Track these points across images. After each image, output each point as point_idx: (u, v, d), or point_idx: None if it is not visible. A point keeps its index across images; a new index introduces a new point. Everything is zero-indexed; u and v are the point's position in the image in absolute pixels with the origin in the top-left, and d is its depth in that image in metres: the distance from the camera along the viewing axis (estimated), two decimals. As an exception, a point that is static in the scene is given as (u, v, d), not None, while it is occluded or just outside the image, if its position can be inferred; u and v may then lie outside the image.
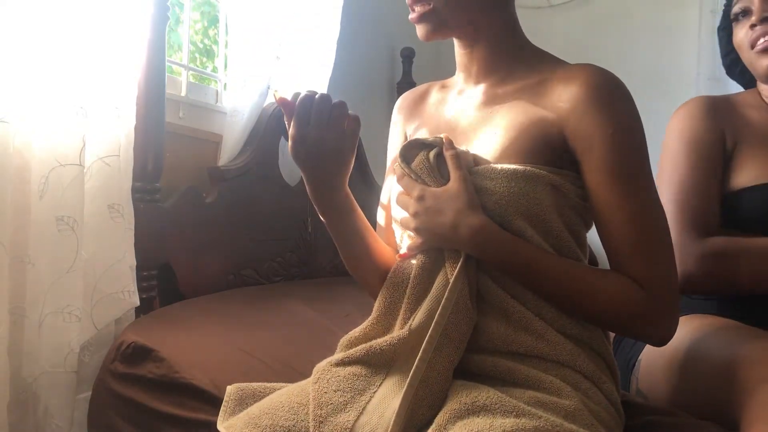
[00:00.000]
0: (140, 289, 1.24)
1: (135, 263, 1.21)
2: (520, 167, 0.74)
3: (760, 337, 0.85)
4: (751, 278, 0.96)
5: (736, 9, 1.09)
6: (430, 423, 0.65)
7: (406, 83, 2.28)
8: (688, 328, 0.94)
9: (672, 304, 0.72)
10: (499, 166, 0.75)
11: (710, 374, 0.85)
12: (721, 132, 1.07)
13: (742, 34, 1.08)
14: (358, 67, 2.20)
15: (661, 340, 0.74)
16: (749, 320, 0.95)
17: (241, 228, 1.57)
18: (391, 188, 0.86)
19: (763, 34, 1.03)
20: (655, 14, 2.38)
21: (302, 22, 1.74)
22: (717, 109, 1.09)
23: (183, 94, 1.55)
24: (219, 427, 0.73)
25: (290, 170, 1.78)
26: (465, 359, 0.72)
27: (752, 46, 1.06)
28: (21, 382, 1.07)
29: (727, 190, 1.04)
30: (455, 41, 0.87)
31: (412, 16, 0.83)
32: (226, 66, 1.71)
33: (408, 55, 2.31)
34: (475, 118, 0.83)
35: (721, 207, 1.04)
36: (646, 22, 2.40)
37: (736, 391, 0.78)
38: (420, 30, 0.84)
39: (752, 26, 1.06)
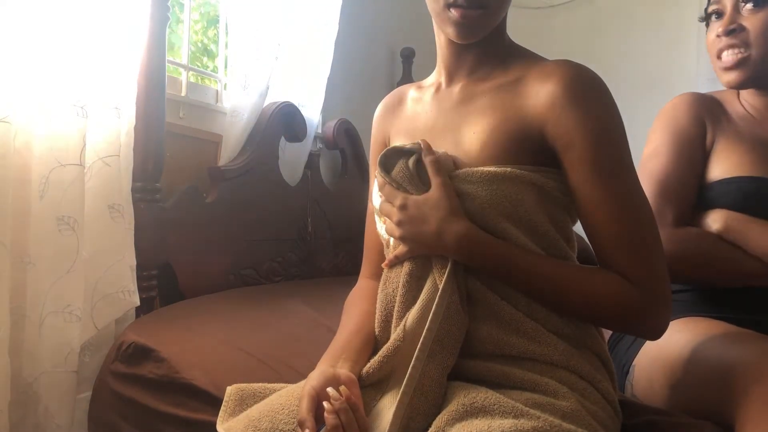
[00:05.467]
0: (140, 289, 1.24)
1: (135, 263, 1.21)
2: (500, 169, 0.73)
3: (754, 340, 0.85)
4: (719, 271, 1.00)
5: (710, 9, 1.09)
6: (427, 428, 0.65)
7: (406, 83, 2.28)
8: (682, 332, 0.94)
9: (662, 297, 0.71)
10: (479, 169, 0.74)
11: (705, 377, 0.85)
12: (703, 126, 1.09)
13: (711, 37, 1.09)
14: (358, 67, 2.21)
15: (654, 334, 0.73)
16: (723, 315, 0.98)
17: (241, 228, 1.57)
18: (374, 197, 0.85)
19: (727, 48, 1.05)
20: (654, 14, 2.38)
21: (301, 22, 1.75)
22: (701, 104, 1.11)
23: (183, 94, 1.55)
24: (219, 428, 0.73)
25: (290, 170, 1.79)
26: (459, 365, 0.72)
27: (718, 56, 1.08)
28: (21, 382, 1.07)
29: (702, 182, 1.07)
30: (445, 40, 0.84)
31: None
32: (226, 66, 1.71)
33: (408, 55, 2.31)
34: (453, 118, 0.82)
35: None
36: (645, 22, 2.40)
37: (730, 392, 0.78)
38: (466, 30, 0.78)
39: (718, 36, 1.07)
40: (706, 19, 1.12)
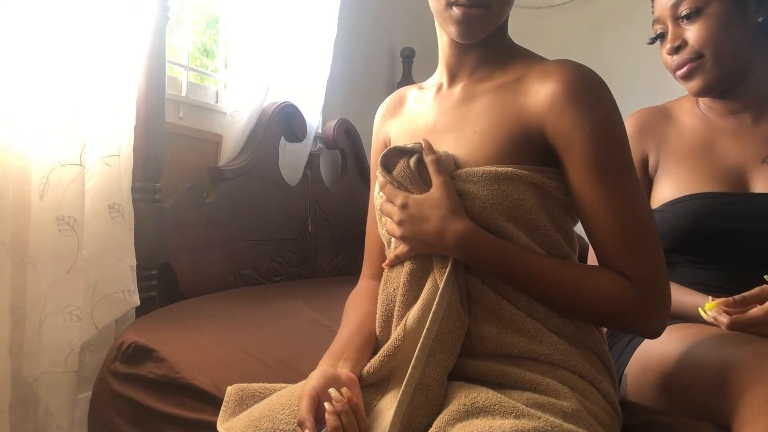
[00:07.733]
0: (140, 289, 1.24)
1: (135, 263, 1.21)
2: (501, 168, 0.73)
3: (747, 341, 0.85)
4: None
5: (655, 29, 1.14)
6: (428, 428, 0.65)
7: (406, 83, 2.28)
8: (672, 338, 0.94)
9: (662, 296, 0.71)
10: (480, 168, 0.74)
11: (700, 381, 0.85)
12: (644, 154, 1.14)
13: (664, 55, 1.14)
14: (358, 67, 2.21)
15: (653, 333, 0.73)
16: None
17: (241, 228, 1.57)
18: (375, 197, 0.85)
19: (680, 61, 1.09)
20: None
21: (301, 22, 1.75)
22: (646, 128, 1.15)
23: (183, 94, 1.55)
24: (219, 428, 0.73)
25: (290, 170, 1.79)
26: (459, 364, 0.72)
27: (675, 70, 1.12)
28: (22, 382, 1.07)
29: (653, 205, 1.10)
30: (447, 40, 0.85)
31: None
32: (226, 66, 1.71)
33: (408, 55, 2.31)
34: (454, 118, 0.82)
35: None
36: (645, 22, 2.40)
37: (727, 394, 0.78)
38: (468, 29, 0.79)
39: (668, 53, 1.11)
40: (655, 40, 1.16)
